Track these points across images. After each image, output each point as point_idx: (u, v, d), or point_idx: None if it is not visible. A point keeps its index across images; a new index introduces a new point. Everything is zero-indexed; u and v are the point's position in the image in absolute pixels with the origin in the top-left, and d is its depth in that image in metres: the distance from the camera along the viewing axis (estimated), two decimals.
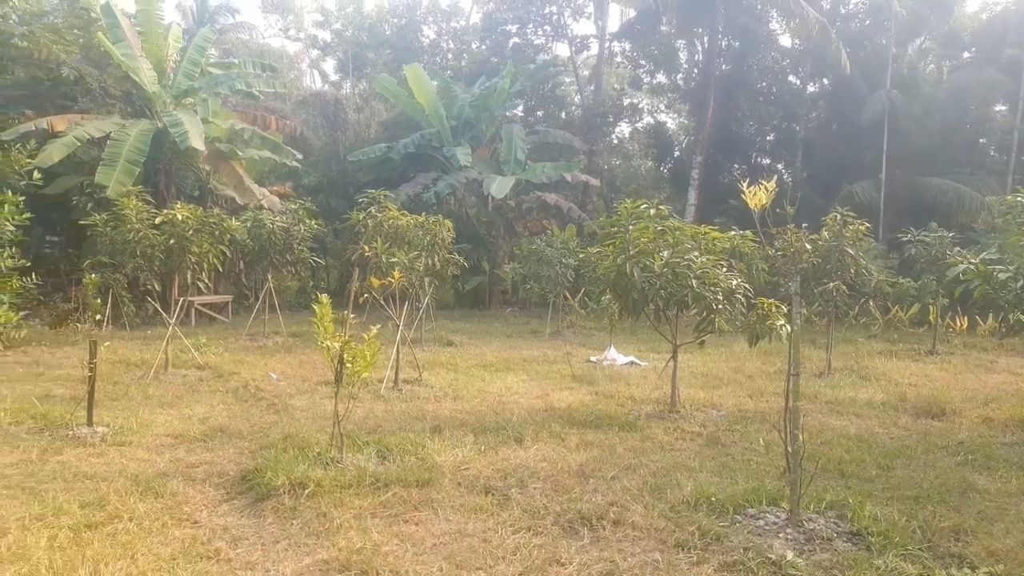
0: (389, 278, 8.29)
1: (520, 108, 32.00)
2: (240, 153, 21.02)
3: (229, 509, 5.65)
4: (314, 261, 19.31)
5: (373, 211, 12.82)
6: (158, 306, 13.39)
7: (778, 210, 11.98)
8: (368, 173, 26.34)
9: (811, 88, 30.21)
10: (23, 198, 14.57)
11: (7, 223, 14.00)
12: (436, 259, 12.01)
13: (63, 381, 10.47)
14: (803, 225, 11.88)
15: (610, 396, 10.20)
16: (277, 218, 16.50)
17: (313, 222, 17.21)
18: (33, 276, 14.47)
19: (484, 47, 34.04)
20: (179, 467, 6.60)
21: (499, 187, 22.44)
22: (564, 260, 17.97)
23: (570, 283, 18.79)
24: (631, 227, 8.90)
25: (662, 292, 8.53)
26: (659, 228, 8.84)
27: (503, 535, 5.09)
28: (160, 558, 4.60)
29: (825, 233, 11.22)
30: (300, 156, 22.76)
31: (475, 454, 7.07)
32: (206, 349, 12.76)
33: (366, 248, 9.83)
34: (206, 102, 20.66)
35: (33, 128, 16.91)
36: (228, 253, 12.65)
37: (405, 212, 12.19)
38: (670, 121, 36.75)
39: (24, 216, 14.36)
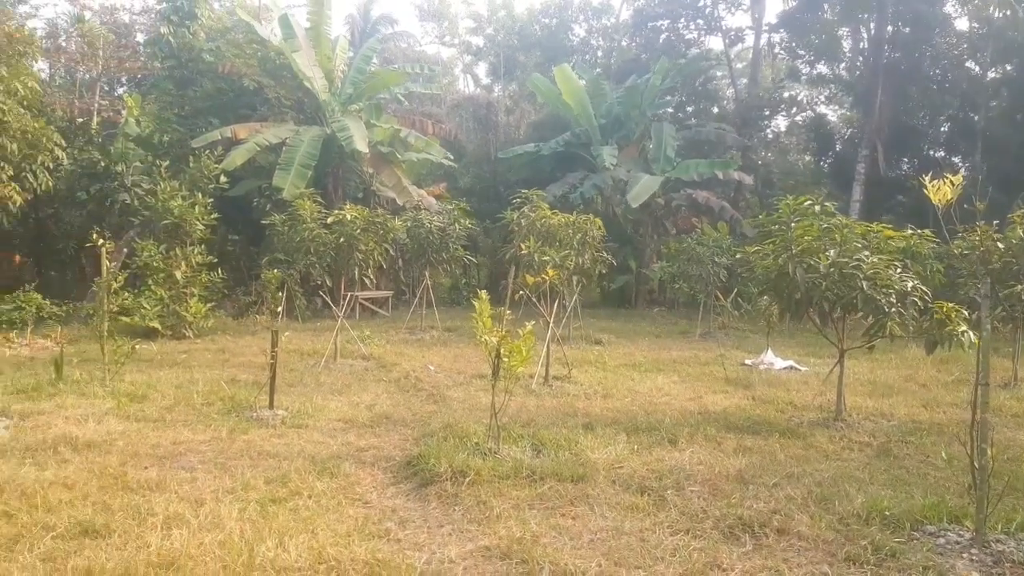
0: (543, 275, 8.43)
1: (670, 105, 31.43)
2: (400, 156, 22.07)
3: (396, 492, 5.98)
4: (467, 259, 19.94)
5: (526, 210, 13.08)
6: (328, 300, 14.32)
7: (965, 206, 11.01)
8: (517, 173, 26.84)
9: (992, 74, 27.51)
10: (211, 200, 16.11)
11: (198, 223, 15.52)
12: (586, 257, 12.06)
13: (246, 367, 11.45)
14: (994, 222, 10.87)
15: (768, 401, 9.82)
16: (434, 218, 17.19)
17: (467, 222, 17.79)
18: (219, 271, 15.96)
19: (634, 44, 33.70)
20: (350, 450, 7.05)
21: (637, 194, 22.10)
22: (716, 259, 17.47)
23: (722, 283, 18.24)
24: (793, 224, 8.52)
25: (828, 294, 8.10)
26: (824, 226, 8.40)
27: (660, 535, 5.05)
28: (337, 534, 4.94)
29: (1020, 231, 10.19)
30: (453, 158, 23.58)
31: (628, 453, 7.04)
32: (370, 341, 13.51)
33: (523, 246, 10.04)
34: (369, 108, 21.84)
35: (219, 136, 18.61)
36: (391, 251, 13.32)
37: (557, 211, 12.34)
38: (831, 113, 34.74)
39: (212, 216, 15.87)
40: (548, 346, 10.90)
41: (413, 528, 5.21)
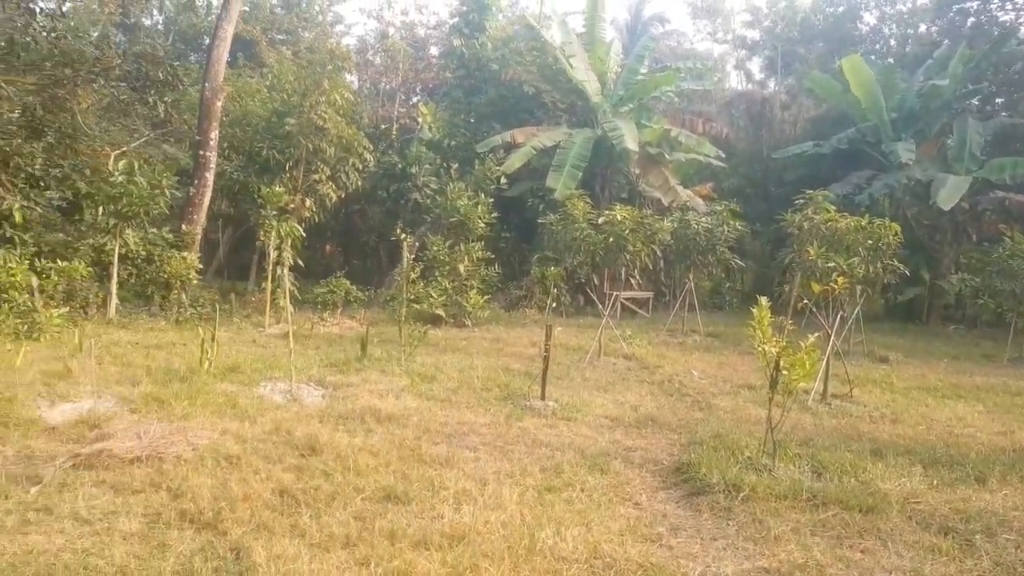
0: (830, 283, 7.84)
1: (976, 96, 27.54)
2: (668, 156, 21.89)
3: (666, 497, 5.94)
4: (733, 262, 19.24)
5: (809, 212, 12.26)
6: (595, 297, 14.67)
7: None
8: (792, 173, 25.29)
9: None
10: (491, 200, 17.25)
11: (480, 221, 16.69)
12: (877, 266, 11.00)
13: (518, 357, 12.10)
14: None
15: None
16: (702, 219, 16.81)
17: (736, 223, 17.16)
18: (495, 266, 17.06)
19: (934, 29, 30.03)
20: (618, 449, 7.15)
21: (948, 196, 19.58)
22: None
23: None
24: None
25: None
26: None
27: None
28: (611, 531, 5.03)
29: None
30: (724, 156, 22.85)
31: (926, 488, 6.30)
32: (632, 341, 13.58)
33: (809, 251, 9.44)
34: (640, 109, 21.93)
35: (500, 140, 19.85)
36: (658, 252, 13.28)
37: (845, 214, 11.40)
38: None
39: (492, 215, 16.99)
40: (828, 360, 10.13)
41: (685, 537, 5.14)
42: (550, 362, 9.16)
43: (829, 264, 9.68)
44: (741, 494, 5.76)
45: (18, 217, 13.05)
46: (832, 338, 10.16)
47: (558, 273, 15.95)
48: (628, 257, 12.33)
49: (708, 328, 16.74)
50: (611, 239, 12.37)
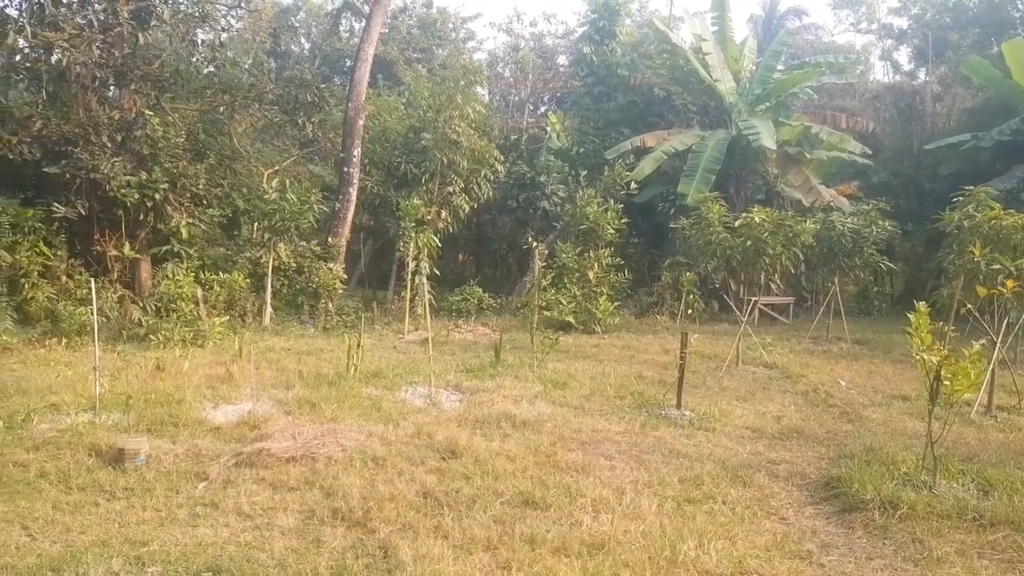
0: (999, 288, 7.18)
1: None
2: (808, 155, 20.91)
3: (815, 513, 5.66)
4: (882, 265, 18.09)
5: (970, 210, 11.30)
6: (731, 303, 14.21)
7: None
8: (946, 167, 23.37)
9: None
10: (621, 206, 17.13)
11: (609, 227, 16.62)
12: None
13: (650, 365, 11.91)
14: None
15: None
16: (847, 220, 15.92)
17: (885, 223, 16.12)
18: (625, 272, 16.91)
19: None
20: (761, 461, 6.88)
21: None
22: None
23: None
24: None
25: None
26: None
27: None
28: (756, 546, 4.86)
29: None
30: (870, 153, 21.54)
31: None
32: (772, 349, 13.04)
33: (974, 251, 8.72)
34: (777, 107, 21.09)
35: (629, 146, 19.67)
36: (800, 255, 12.69)
37: (1011, 211, 10.42)
38: None
39: (622, 221, 16.86)
40: (993, 370, 9.31)
41: (837, 555, 4.89)
42: (685, 370, 8.97)
43: (994, 266, 8.89)
44: (898, 512, 5.41)
45: (185, 233, 14.28)
46: (998, 346, 9.33)
47: (692, 279, 15.56)
48: (767, 261, 11.84)
49: (855, 335, 15.78)
50: (749, 242, 11.92)
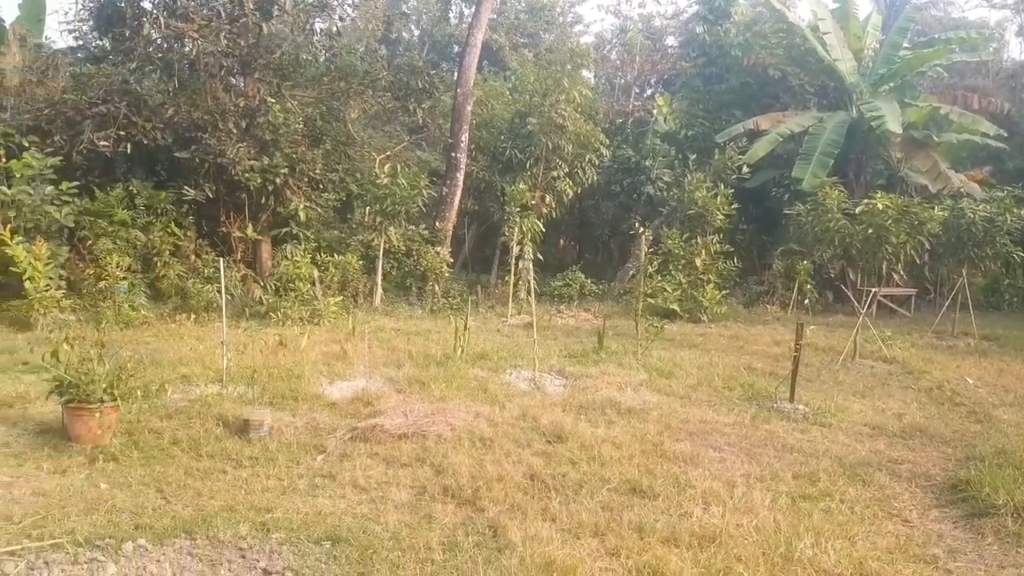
0: None
1: None
2: (936, 138, 19.61)
3: (940, 516, 5.38)
4: (1016, 256, 16.80)
5: None
6: (850, 294, 13.56)
7: None
8: None
9: None
10: (731, 191, 16.63)
11: (718, 213, 16.18)
12: None
13: (760, 356, 11.56)
14: None
15: None
16: (979, 207, 14.86)
17: (1021, 211, 14.96)
18: (733, 260, 16.43)
19: None
20: (881, 459, 6.57)
21: None
22: None
23: None
24: None
25: None
26: None
27: None
28: (877, 548, 4.65)
29: None
30: (1005, 135, 19.97)
31: None
32: (892, 343, 12.38)
33: None
34: (902, 87, 19.87)
35: (742, 129, 19.03)
36: (927, 244, 11.95)
37: None
38: None
39: (732, 207, 16.37)
40: None
41: (965, 562, 4.62)
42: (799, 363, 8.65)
43: None
44: None
45: (303, 216, 14.92)
46: None
47: (808, 268, 14.90)
48: (889, 250, 11.19)
49: (983, 330, 14.74)
50: (870, 230, 11.31)
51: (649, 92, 30.34)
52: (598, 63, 29.12)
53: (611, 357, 10.79)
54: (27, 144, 13.18)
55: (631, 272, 20.00)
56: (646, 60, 28.04)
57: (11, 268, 11.22)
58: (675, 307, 15.15)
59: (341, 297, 14.07)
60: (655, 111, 24.26)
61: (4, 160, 12.89)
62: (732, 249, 16.70)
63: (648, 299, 15.02)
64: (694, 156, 18.72)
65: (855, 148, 19.78)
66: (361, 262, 15.29)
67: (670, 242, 16.32)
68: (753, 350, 12.11)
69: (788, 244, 17.41)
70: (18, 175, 12.45)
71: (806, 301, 15.33)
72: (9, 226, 11.48)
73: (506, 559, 4.38)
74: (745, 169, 17.21)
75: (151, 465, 5.88)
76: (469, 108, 17.72)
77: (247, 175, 14.03)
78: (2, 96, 14.01)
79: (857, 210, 11.64)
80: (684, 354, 11.43)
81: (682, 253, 16.12)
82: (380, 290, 15.37)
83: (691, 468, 6.05)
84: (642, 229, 11.12)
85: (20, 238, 11.39)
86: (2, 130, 13.24)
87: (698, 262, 15.93)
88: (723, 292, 16.03)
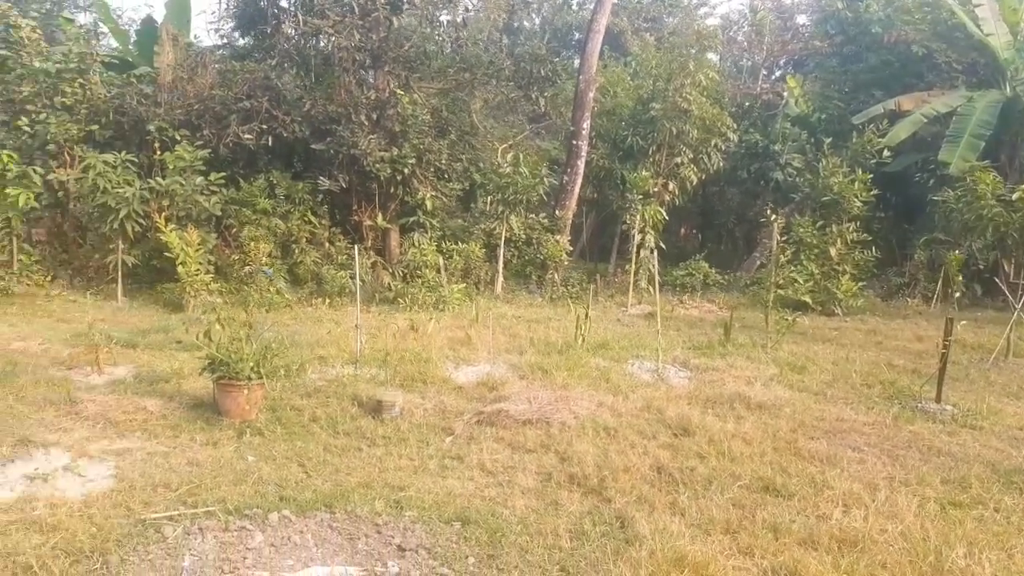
0: None
1: None
2: None
3: None
4: None
5: None
6: (1004, 288, 12.51)
7: None
8: None
9: None
10: (870, 176, 15.68)
11: (856, 199, 15.31)
12: None
13: (900, 352, 10.88)
14: None
15: None
16: None
17: None
18: (872, 250, 15.49)
19: None
20: None
21: None
22: None
23: None
24: None
25: None
26: None
27: None
28: None
29: None
30: None
31: None
32: None
33: None
34: None
35: (882, 110, 17.87)
36: None
37: None
38: None
39: (871, 193, 15.44)
40: None
41: None
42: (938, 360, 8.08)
43: None
44: None
45: (429, 205, 15.32)
46: None
47: (960, 259, 13.78)
48: None
49: None
50: None
51: (778, 74, 29.08)
52: (724, 45, 28.13)
53: (738, 350, 10.47)
54: (179, 138, 14.23)
55: (758, 262, 19.27)
56: (775, 40, 26.84)
57: (165, 253, 12.19)
58: (807, 299, 14.49)
59: (464, 284, 14.37)
60: (785, 93, 23.18)
61: (159, 153, 13.98)
62: (869, 238, 15.74)
63: (779, 290, 14.43)
64: (828, 140, 17.73)
65: (1009, 130, 18.11)
66: (483, 250, 15.54)
67: (801, 230, 15.58)
68: (893, 346, 11.42)
69: (933, 233, 16.25)
70: (171, 167, 13.48)
71: (957, 295, 14.25)
72: (164, 214, 12.48)
73: (635, 551, 4.35)
74: (885, 153, 16.13)
75: (293, 440, 6.23)
76: (591, 95, 17.58)
77: (377, 166, 14.53)
78: (157, 92, 15.12)
79: (1015, 196, 10.68)
80: (817, 348, 10.93)
81: (815, 242, 15.35)
82: (501, 278, 15.57)
83: (828, 468, 5.79)
84: (774, 216, 10.65)
85: (173, 226, 12.35)
86: (158, 125, 14.34)
87: (832, 252, 15.13)
88: (859, 284, 15.17)
